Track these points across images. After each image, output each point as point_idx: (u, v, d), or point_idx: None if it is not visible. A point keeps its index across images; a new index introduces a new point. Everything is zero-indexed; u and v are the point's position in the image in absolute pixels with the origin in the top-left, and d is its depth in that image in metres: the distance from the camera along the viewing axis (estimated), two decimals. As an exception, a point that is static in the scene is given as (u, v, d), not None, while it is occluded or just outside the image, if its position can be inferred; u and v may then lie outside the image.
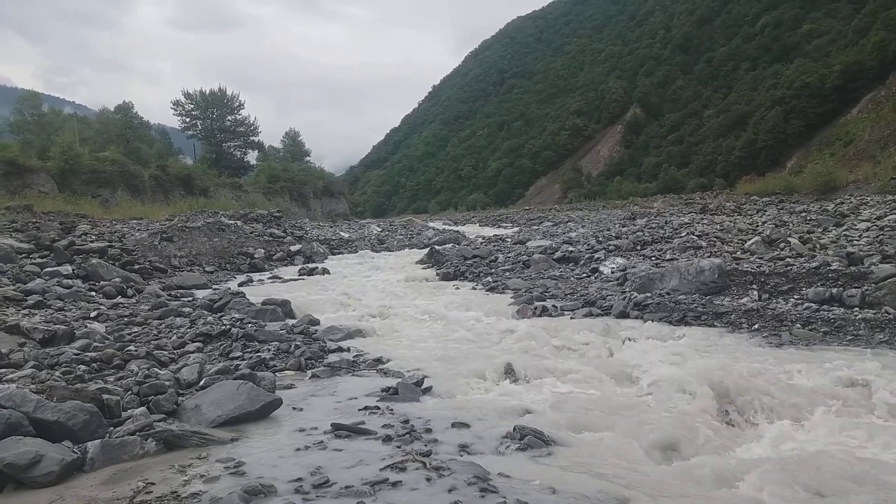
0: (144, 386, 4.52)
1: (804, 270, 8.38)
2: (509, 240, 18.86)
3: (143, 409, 4.19)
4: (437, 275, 12.89)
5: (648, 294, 8.46)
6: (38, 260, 11.10)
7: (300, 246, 18.16)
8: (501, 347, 6.57)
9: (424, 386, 5.04)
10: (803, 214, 15.55)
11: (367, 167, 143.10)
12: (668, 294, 8.39)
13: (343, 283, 12.07)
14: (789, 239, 11.01)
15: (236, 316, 7.94)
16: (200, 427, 3.98)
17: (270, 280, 13.21)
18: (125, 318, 7.76)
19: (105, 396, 4.08)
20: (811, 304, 7.18)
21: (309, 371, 5.72)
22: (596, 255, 12.62)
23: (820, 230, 12.30)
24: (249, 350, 6.27)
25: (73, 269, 10.74)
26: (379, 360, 6.07)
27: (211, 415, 4.17)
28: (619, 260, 12.01)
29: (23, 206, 16.12)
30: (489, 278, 11.66)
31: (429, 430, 4.01)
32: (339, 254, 19.20)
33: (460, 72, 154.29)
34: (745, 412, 4.47)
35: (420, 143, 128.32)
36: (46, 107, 39.60)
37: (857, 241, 10.51)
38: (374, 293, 10.75)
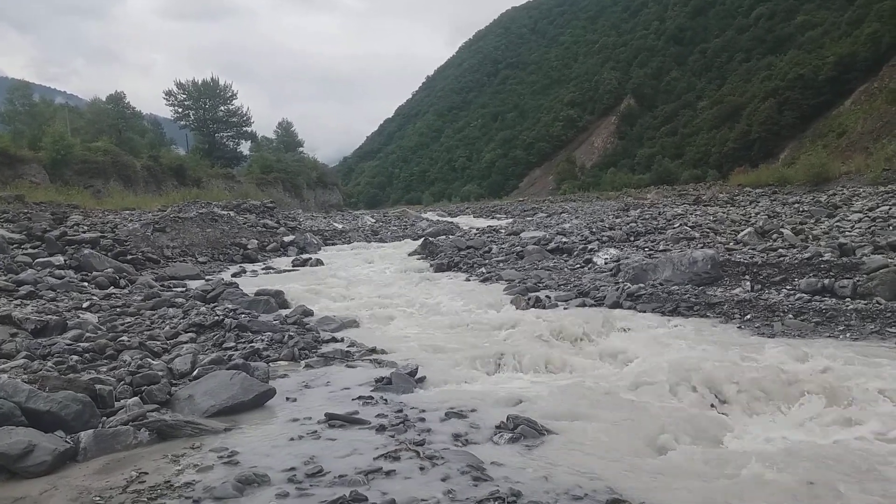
0: (137, 376, 4.52)
1: (796, 261, 8.42)
2: (503, 231, 18.81)
3: (136, 399, 4.19)
4: (431, 266, 12.87)
5: (641, 285, 8.49)
6: (30, 250, 11.04)
7: (294, 237, 18.10)
8: (495, 338, 6.58)
9: (418, 376, 5.04)
10: (796, 206, 15.61)
11: (361, 158, 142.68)
12: (661, 285, 8.42)
13: (337, 274, 12.05)
14: (782, 230, 11.07)
15: (229, 306, 7.91)
16: (194, 417, 3.98)
17: (264, 271, 13.17)
18: (118, 309, 7.73)
19: (98, 386, 4.08)
20: (803, 295, 7.22)
21: (303, 361, 5.71)
22: (589, 246, 12.63)
23: (812, 221, 12.36)
24: (243, 340, 6.26)
25: (65, 260, 10.68)
26: (373, 351, 6.07)
27: (204, 405, 4.17)
28: (613, 251, 12.03)
29: (14, 197, 15.99)
30: (483, 269, 11.65)
31: (422, 420, 4.02)
32: (332, 245, 19.15)
33: (454, 62, 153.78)
34: (737, 403, 4.49)
35: (414, 133, 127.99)
36: (37, 97, 39.14)
37: (850, 232, 10.56)
38: (368, 284, 10.73)
